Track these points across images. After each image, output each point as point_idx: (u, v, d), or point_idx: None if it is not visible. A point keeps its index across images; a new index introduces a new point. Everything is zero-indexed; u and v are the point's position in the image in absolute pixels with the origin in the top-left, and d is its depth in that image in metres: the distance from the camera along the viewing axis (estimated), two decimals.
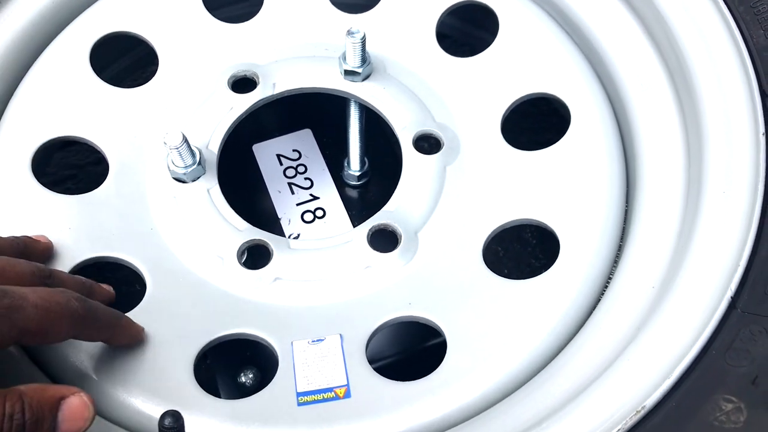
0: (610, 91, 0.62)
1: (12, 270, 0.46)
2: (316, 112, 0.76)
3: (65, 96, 0.62)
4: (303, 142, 0.77)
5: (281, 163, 0.75)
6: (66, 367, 0.51)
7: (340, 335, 0.54)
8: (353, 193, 0.75)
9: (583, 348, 0.50)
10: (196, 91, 0.64)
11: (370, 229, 0.58)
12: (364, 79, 0.64)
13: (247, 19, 0.68)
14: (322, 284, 0.56)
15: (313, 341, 0.53)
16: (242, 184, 0.71)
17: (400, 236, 0.58)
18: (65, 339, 0.45)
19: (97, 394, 0.50)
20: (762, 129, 0.50)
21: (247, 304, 0.55)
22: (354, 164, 0.74)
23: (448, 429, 0.49)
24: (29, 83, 0.63)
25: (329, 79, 0.65)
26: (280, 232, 0.70)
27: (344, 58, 0.63)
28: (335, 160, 0.75)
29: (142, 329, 0.52)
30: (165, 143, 0.56)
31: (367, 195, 0.76)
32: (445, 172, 0.61)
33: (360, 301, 0.56)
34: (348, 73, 0.64)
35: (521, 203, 0.59)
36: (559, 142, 0.60)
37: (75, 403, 0.42)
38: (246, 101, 0.63)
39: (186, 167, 0.58)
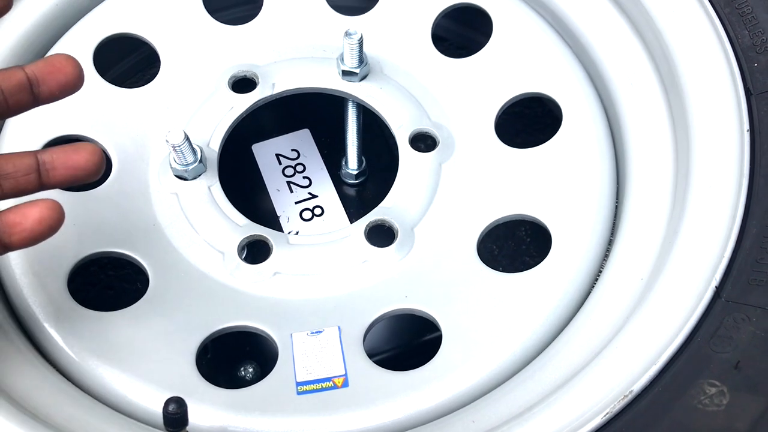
0: (601, 90, 0.64)
1: None
2: (314, 113, 0.78)
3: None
4: (301, 141, 0.79)
5: (280, 163, 0.77)
6: (66, 356, 0.52)
7: (338, 327, 0.55)
8: (351, 191, 0.77)
9: (573, 338, 0.51)
10: (198, 91, 0.66)
11: (367, 225, 0.60)
12: (361, 80, 0.66)
13: (247, 22, 0.69)
14: (321, 278, 0.58)
15: (312, 333, 0.55)
16: (242, 183, 0.73)
17: (397, 231, 0.59)
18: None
19: (100, 383, 0.51)
20: (746, 125, 0.52)
21: (248, 298, 0.57)
22: (351, 163, 0.75)
23: (443, 416, 0.50)
24: None
25: (327, 80, 0.66)
26: (279, 229, 0.71)
27: (342, 59, 0.65)
28: (333, 159, 0.76)
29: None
30: (167, 141, 0.58)
31: (365, 193, 0.77)
32: (440, 170, 0.62)
33: (357, 295, 0.57)
34: (346, 74, 0.65)
35: (515, 199, 0.60)
36: (551, 139, 0.62)
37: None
38: (246, 101, 0.65)
39: (187, 165, 0.60)
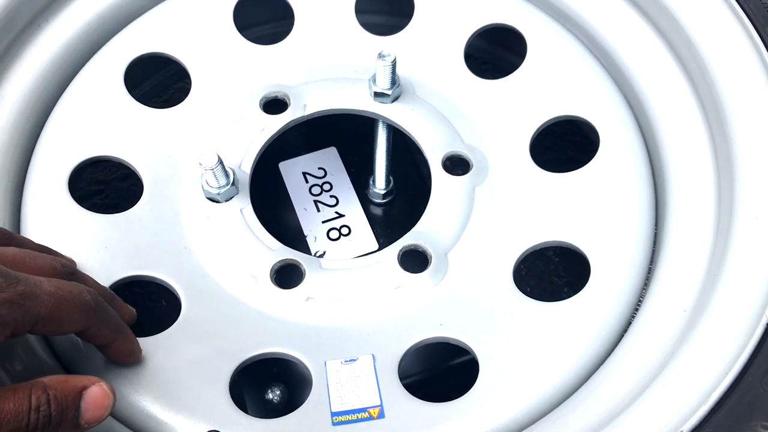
0: (638, 114, 0.63)
1: (32, 262, 0.47)
2: (340, 131, 0.77)
3: (101, 117, 0.63)
4: (328, 160, 0.78)
5: (307, 181, 0.76)
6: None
7: (373, 355, 0.54)
8: (378, 211, 0.76)
9: (615, 371, 0.50)
10: (229, 111, 0.65)
11: (400, 250, 0.59)
12: (393, 101, 0.65)
13: (278, 40, 0.69)
14: (354, 304, 0.57)
15: (345, 361, 0.54)
16: (269, 202, 0.72)
17: (431, 257, 0.58)
18: (76, 330, 0.46)
19: (134, 413, 0.51)
20: None
21: (281, 324, 0.56)
22: (379, 183, 0.74)
23: None
24: (65, 104, 0.64)
25: (359, 101, 0.66)
26: (306, 249, 0.70)
27: (374, 80, 0.64)
28: (360, 179, 0.76)
29: (140, 351, 0.52)
30: (200, 164, 0.57)
31: (392, 213, 0.76)
32: (474, 193, 0.61)
33: (391, 322, 0.56)
34: (378, 95, 0.65)
35: (551, 225, 0.59)
36: (588, 164, 0.61)
37: (96, 393, 0.43)
38: (277, 122, 0.64)
39: (220, 187, 0.59)
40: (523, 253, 0.58)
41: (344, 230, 0.73)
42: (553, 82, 0.65)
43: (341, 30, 0.69)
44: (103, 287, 0.53)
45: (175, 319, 0.56)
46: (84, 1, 0.66)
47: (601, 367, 0.52)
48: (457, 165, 0.63)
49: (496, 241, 0.59)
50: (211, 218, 0.60)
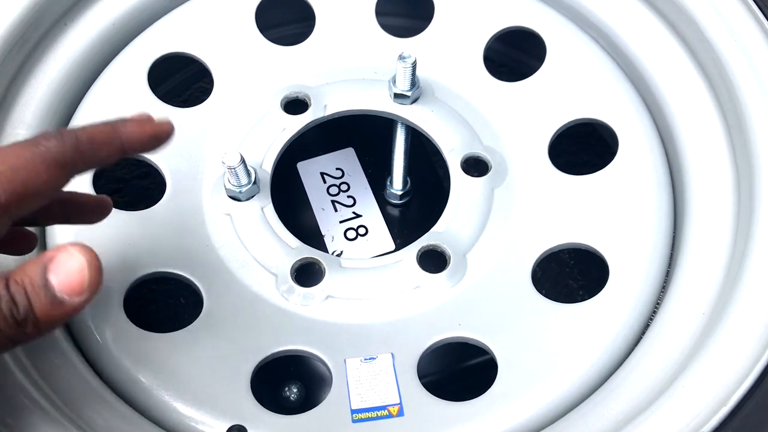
0: (657, 117, 0.63)
1: None
2: (357, 132, 0.78)
3: (125, 115, 0.64)
4: (346, 160, 0.79)
5: (325, 181, 0.77)
6: (124, 376, 0.53)
7: (392, 354, 0.55)
8: (395, 212, 0.76)
9: (634, 372, 0.51)
10: (250, 111, 0.66)
11: (419, 250, 0.59)
12: (412, 102, 0.66)
13: (299, 41, 0.70)
14: (373, 303, 0.58)
15: (365, 359, 0.55)
16: (288, 202, 0.73)
17: (449, 257, 0.59)
18: (65, 184, 0.41)
19: (156, 407, 0.52)
20: None
21: (301, 321, 0.57)
22: (397, 183, 0.75)
23: None
24: (90, 102, 0.65)
25: (379, 102, 0.66)
26: (323, 248, 0.71)
27: (394, 82, 0.65)
28: (377, 179, 0.76)
29: (168, 120, 0.46)
30: (223, 163, 0.58)
31: (409, 214, 0.77)
32: (492, 195, 0.62)
33: (410, 321, 0.57)
34: (398, 96, 0.65)
35: (569, 227, 0.59)
36: (607, 167, 0.61)
37: (62, 259, 0.37)
38: (298, 122, 0.65)
39: (242, 186, 0.60)
40: (542, 254, 0.59)
41: (361, 230, 0.73)
42: (572, 84, 0.65)
43: (362, 32, 0.70)
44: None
45: (197, 316, 0.56)
46: (109, 1, 0.67)
47: (620, 368, 0.52)
48: (475, 167, 0.64)
49: (515, 243, 0.60)
50: (233, 216, 0.61)
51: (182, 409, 0.51)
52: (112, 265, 0.57)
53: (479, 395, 0.52)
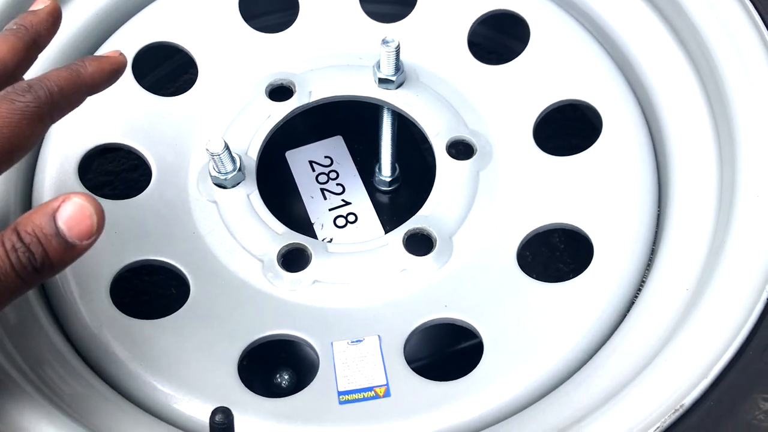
0: (641, 97, 0.63)
1: None
2: (345, 119, 0.78)
3: (110, 104, 0.64)
4: (334, 148, 0.79)
5: (313, 170, 0.77)
6: (111, 361, 0.53)
7: (379, 336, 0.55)
8: (384, 199, 0.77)
9: (618, 349, 0.51)
10: (235, 99, 0.66)
11: (405, 233, 0.60)
12: (397, 87, 0.66)
13: (283, 29, 0.70)
14: (360, 287, 0.58)
15: (352, 342, 0.55)
16: (276, 190, 0.73)
17: (435, 240, 0.59)
18: (44, 134, 0.45)
19: (143, 392, 0.52)
20: None
21: (288, 306, 0.57)
22: (385, 170, 0.75)
23: (486, 428, 0.50)
24: None
25: (364, 87, 0.66)
26: (313, 236, 0.71)
27: (378, 67, 0.65)
28: (366, 166, 0.76)
29: (120, 52, 0.50)
30: (207, 150, 0.58)
31: (398, 200, 0.77)
32: (478, 178, 0.62)
33: (397, 303, 0.57)
34: (382, 81, 0.65)
35: (554, 208, 0.60)
36: (591, 147, 0.62)
37: (70, 208, 0.39)
38: (283, 109, 0.65)
39: (227, 173, 0.60)
40: (527, 235, 0.59)
41: (351, 218, 0.74)
42: (555, 66, 0.65)
43: (346, 18, 0.70)
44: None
45: (184, 303, 0.56)
46: None
47: (605, 346, 0.52)
48: (461, 150, 0.64)
49: (500, 224, 0.60)
50: (219, 203, 0.61)
51: (169, 392, 0.51)
52: (98, 253, 0.57)
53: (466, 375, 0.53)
